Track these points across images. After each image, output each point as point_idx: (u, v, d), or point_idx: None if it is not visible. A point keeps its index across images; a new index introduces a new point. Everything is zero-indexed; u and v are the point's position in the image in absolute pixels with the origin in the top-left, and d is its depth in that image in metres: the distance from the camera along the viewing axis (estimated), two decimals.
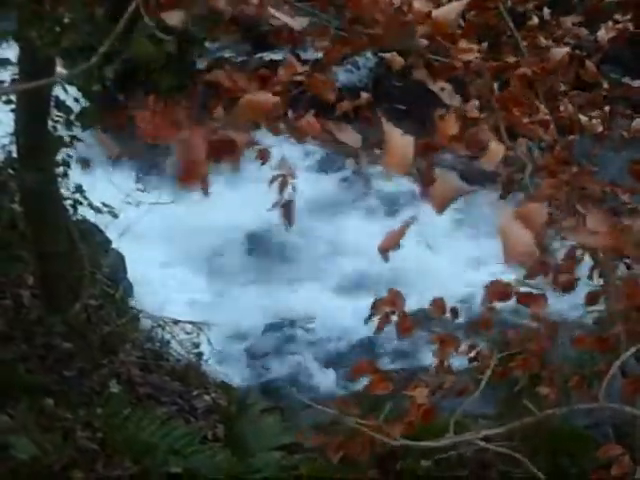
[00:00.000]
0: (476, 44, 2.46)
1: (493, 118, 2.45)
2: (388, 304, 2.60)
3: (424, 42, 2.25)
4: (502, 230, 1.39)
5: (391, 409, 2.28)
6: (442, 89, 2.27)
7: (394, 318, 2.59)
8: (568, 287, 2.52)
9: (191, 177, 1.44)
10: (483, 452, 4.33)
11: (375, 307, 2.58)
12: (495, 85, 2.53)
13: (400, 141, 1.47)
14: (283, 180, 2.05)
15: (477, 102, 2.37)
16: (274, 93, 1.90)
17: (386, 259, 1.76)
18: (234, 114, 1.45)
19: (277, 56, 9.13)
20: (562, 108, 2.90)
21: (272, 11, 1.93)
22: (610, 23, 3.38)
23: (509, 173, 1.93)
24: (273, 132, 1.90)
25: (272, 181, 2.06)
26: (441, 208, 1.46)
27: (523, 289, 2.36)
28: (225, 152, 1.57)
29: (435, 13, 2.10)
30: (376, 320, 2.60)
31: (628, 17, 3.47)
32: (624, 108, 3.61)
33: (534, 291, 2.36)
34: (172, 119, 1.61)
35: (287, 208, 2.01)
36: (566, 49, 2.78)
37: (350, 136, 1.76)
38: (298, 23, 2.01)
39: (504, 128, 2.46)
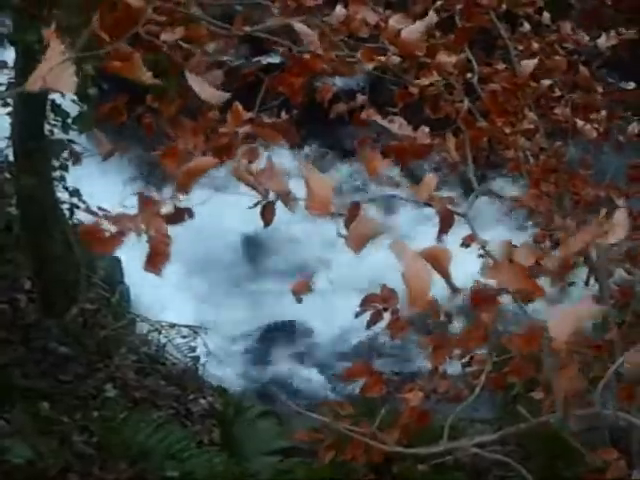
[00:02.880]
0: (464, 52, 2.47)
1: (460, 138, 2.46)
2: (380, 301, 2.60)
3: (396, 60, 2.26)
4: (406, 274, 1.34)
5: (386, 413, 2.27)
6: (391, 121, 2.28)
7: (386, 316, 2.59)
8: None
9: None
10: (479, 456, 4.34)
11: (365, 303, 2.58)
12: (466, 102, 2.53)
13: (321, 184, 1.47)
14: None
15: (427, 129, 2.37)
16: (221, 145, 1.93)
17: (299, 301, 1.85)
18: (177, 183, 1.49)
19: (274, 60, 9.14)
20: (558, 112, 2.90)
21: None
22: (613, 32, 3.38)
23: (446, 207, 1.91)
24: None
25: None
26: (357, 248, 1.44)
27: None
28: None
29: (403, 33, 2.11)
30: (367, 316, 2.60)
31: (633, 31, 3.47)
32: (623, 112, 3.61)
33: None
34: None
35: (267, 209, 2.03)
36: (534, 61, 2.77)
37: (276, 184, 1.75)
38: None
39: (485, 140, 2.47)
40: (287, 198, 1.64)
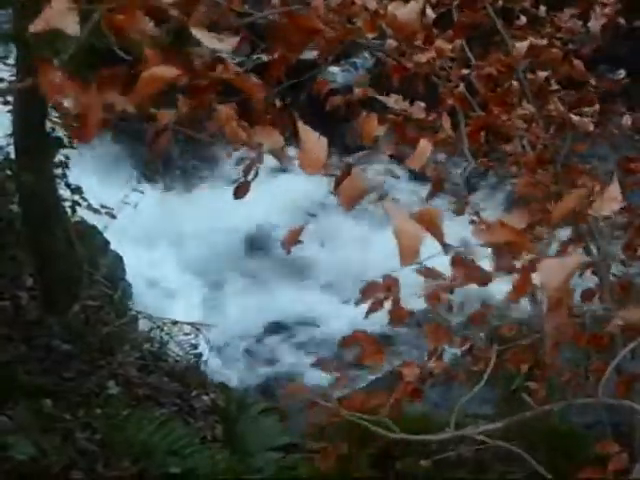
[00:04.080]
0: (462, 44, 2.48)
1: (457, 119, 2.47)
2: (382, 290, 2.60)
3: (393, 44, 2.27)
4: (397, 233, 1.38)
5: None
6: (387, 95, 2.29)
7: (387, 305, 2.58)
8: None
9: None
10: (482, 452, 4.33)
11: (366, 291, 2.58)
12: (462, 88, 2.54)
13: (314, 142, 1.49)
14: (250, 163, 2.08)
15: (423, 104, 2.38)
16: (202, 86, 1.93)
17: (289, 252, 1.86)
18: (135, 89, 1.46)
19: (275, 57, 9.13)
20: (552, 107, 2.89)
21: None
22: (598, 9, 3.36)
23: (438, 172, 1.93)
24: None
25: (238, 163, 2.08)
26: (348, 206, 1.48)
27: None
28: None
29: (398, 14, 2.11)
30: (367, 306, 2.59)
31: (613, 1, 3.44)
32: (620, 105, 3.60)
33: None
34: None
35: (241, 187, 2.06)
36: (527, 42, 2.78)
37: (271, 138, 1.76)
38: None
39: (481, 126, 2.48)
40: (280, 152, 1.66)
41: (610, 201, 1.59)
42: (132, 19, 1.52)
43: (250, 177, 2.09)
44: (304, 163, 1.48)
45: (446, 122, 2.32)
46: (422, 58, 2.35)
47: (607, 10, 3.21)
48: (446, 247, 1.47)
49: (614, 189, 1.60)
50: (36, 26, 1.34)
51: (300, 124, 1.48)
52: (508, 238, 1.44)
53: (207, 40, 1.63)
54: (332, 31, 2.20)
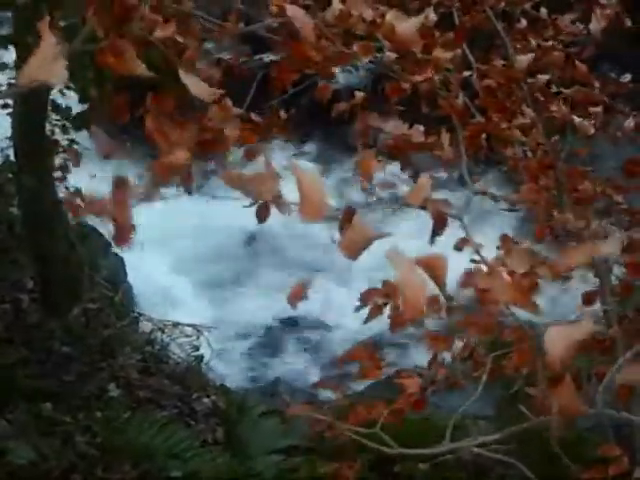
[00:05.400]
0: (462, 50, 2.46)
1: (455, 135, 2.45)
2: (382, 295, 2.59)
3: (392, 56, 2.25)
4: (401, 284, 1.34)
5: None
6: (385, 121, 2.28)
7: (387, 311, 2.58)
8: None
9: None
10: (481, 455, 4.32)
11: (365, 297, 2.57)
12: (461, 97, 2.52)
13: (313, 187, 1.44)
14: None
15: (422, 127, 2.36)
16: (205, 140, 1.91)
17: (294, 307, 1.85)
18: (149, 177, 1.48)
19: (277, 57, 9.13)
20: (554, 108, 2.89)
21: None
22: (598, 11, 3.35)
23: (439, 208, 1.90)
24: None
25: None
26: (351, 255, 1.43)
27: None
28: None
29: (397, 29, 2.10)
30: (367, 310, 2.59)
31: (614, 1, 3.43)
32: (623, 106, 3.60)
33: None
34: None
35: (262, 208, 2.03)
36: (530, 56, 2.76)
37: (266, 185, 1.73)
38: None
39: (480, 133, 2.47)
40: (279, 202, 1.62)
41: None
42: (123, 62, 1.51)
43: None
44: (304, 212, 1.43)
45: (445, 139, 2.30)
46: (418, 78, 2.33)
47: (607, 11, 3.20)
48: (449, 299, 1.45)
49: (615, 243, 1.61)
50: (21, 79, 1.31)
51: (296, 168, 1.43)
52: (510, 297, 1.42)
53: (194, 86, 1.62)
54: (332, 45, 2.18)
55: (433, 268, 1.37)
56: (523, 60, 2.67)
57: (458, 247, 2.59)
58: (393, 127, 2.19)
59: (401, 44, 2.12)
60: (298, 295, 1.80)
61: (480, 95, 2.63)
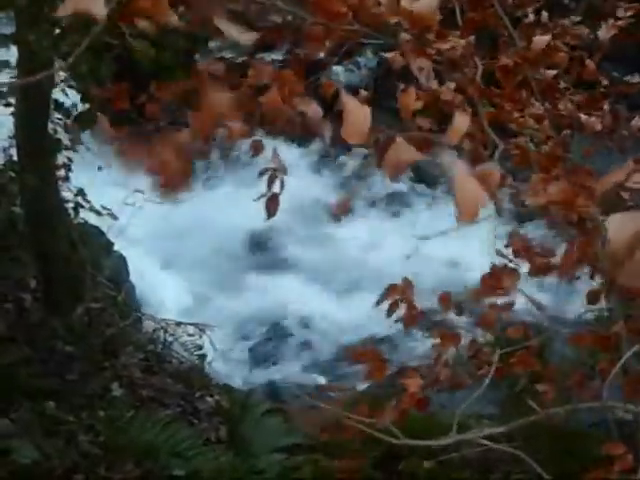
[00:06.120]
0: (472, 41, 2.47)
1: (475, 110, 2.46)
2: (399, 292, 2.64)
3: (406, 36, 2.25)
4: (457, 187, 1.37)
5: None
6: (420, 68, 2.28)
7: (403, 307, 2.63)
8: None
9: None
10: (486, 453, 4.32)
11: (388, 293, 2.62)
12: (479, 79, 2.53)
13: (357, 112, 1.47)
14: (272, 174, 2.07)
15: (453, 85, 2.38)
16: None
17: (338, 220, 1.86)
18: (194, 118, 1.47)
19: (278, 56, 9.14)
20: (562, 107, 2.89)
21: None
22: (611, 21, 3.36)
23: (474, 147, 1.93)
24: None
25: (261, 174, 2.07)
26: (393, 175, 1.47)
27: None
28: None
29: (415, 6, 2.10)
30: (385, 306, 2.64)
31: (629, 14, 3.45)
32: (628, 106, 3.60)
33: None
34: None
35: (271, 201, 2.03)
36: (547, 37, 2.77)
37: (312, 108, 1.75)
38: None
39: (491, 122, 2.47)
40: (321, 122, 1.64)
41: None
42: (157, 6, 1.51)
43: (277, 189, 2.07)
44: (347, 134, 1.46)
45: (467, 113, 2.31)
46: (444, 45, 2.34)
47: (620, 23, 3.22)
48: (499, 212, 1.50)
49: None
50: (65, 9, 1.33)
51: (343, 93, 1.47)
52: (562, 197, 1.45)
53: (231, 32, 1.62)
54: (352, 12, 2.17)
55: (486, 179, 1.40)
56: (541, 40, 2.68)
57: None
58: (425, 79, 2.22)
59: (418, 21, 2.12)
60: (344, 208, 1.83)
61: (498, 74, 2.64)
